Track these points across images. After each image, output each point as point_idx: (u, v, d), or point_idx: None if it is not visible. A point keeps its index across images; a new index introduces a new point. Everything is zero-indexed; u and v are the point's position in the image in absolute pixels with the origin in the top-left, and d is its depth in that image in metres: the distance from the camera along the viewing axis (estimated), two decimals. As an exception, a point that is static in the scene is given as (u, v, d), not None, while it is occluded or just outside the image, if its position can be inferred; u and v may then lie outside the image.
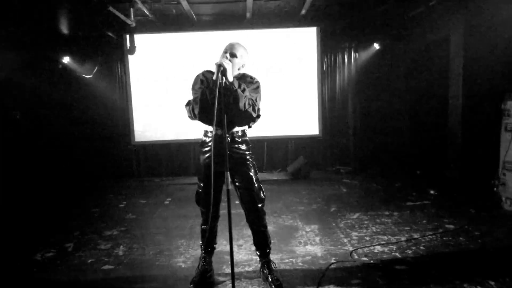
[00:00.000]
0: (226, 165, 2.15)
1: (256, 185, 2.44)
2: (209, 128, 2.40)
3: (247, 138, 2.48)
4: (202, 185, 2.50)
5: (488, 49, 4.35)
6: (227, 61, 2.18)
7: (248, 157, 2.45)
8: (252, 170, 2.44)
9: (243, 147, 2.43)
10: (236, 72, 2.40)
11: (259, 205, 2.46)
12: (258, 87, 2.40)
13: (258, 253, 2.56)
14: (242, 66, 2.41)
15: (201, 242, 2.65)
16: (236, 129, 2.40)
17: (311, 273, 2.64)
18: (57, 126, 5.92)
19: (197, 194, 2.54)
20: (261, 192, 2.47)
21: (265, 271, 2.51)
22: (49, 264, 2.95)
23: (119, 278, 2.70)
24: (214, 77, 2.11)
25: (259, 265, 2.61)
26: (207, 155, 2.43)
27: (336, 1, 5.45)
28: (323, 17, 6.09)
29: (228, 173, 2.15)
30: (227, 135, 2.28)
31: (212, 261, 2.65)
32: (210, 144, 2.42)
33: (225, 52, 2.34)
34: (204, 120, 2.36)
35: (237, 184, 2.44)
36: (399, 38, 6.06)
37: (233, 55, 2.32)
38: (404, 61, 6.08)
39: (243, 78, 2.41)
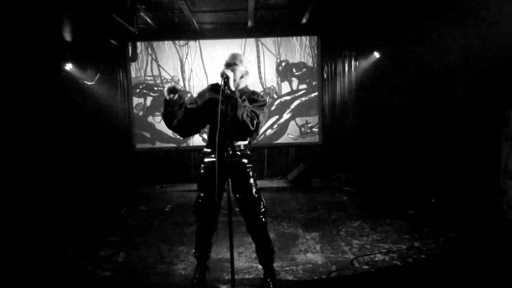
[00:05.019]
0: (228, 172, 2.17)
1: (256, 196, 2.43)
2: (211, 139, 2.43)
3: (249, 152, 2.48)
4: (202, 194, 2.50)
5: (488, 57, 4.37)
6: (229, 70, 2.22)
7: (248, 169, 2.45)
8: (252, 181, 2.44)
9: (244, 160, 2.44)
10: (240, 81, 2.40)
11: (260, 217, 2.44)
12: (263, 105, 2.40)
13: (260, 263, 2.55)
14: (246, 74, 2.42)
15: (194, 251, 2.64)
16: (239, 143, 2.41)
17: (312, 281, 2.63)
18: (58, 131, 5.93)
19: (196, 203, 2.52)
20: (261, 204, 2.45)
21: (267, 280, 2.50)
22: (48, 270, 2.93)
23: (119, 285, 2.69)
24: (220, 88, 2.14)
25: (262, 274, 2.59)
26: (207, 164, 2.45)
27: (336, 10, 5.52)
28: (324, 26, 6.15)
29: (230, 180, 2.17)
30: (231, 148, 2.33)
31: (208, 267, 2.64)
32: (212, 155, 2.42)
33: (228, 64, 2.37)
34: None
35: (237, 195, 2.44)
36: (399, 47, 6.10)
37: (233, 64, 2.35)
38: (404, 69, 6.11)
39: (252, 94, 2.43)
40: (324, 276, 2.67)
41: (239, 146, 2.42)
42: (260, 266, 2.76)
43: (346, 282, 2.62)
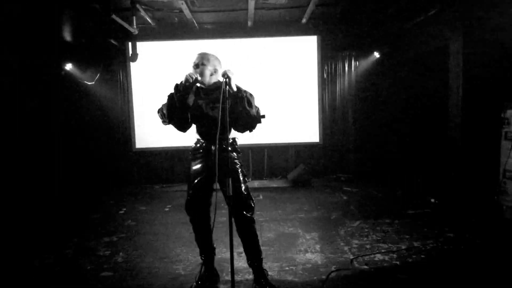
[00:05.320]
0: (228, 171, 2.21)
1: (244, 194, 2.43)
2: (203, 136, 2.47)
3: (237, 146, 2.52)
4: (190, 192, 2.51)
5: (487, 58, 4.38)
6: (231, 71, 2.24)
7: (237, 165, 2.46)
8: (241, 179, 2.44)
9: (234, 155, 2.46)
10: (209, 77, 2.44)
11: (248, 214, 2.44)
12: None
13: (250, 262, 2.55)
14: (215, 72, 2.47)
15: (199, 251, 2.65)
16: (229, 136, 2.43)
17: (312, 281, 2.63)
18: (58, 132, 5.94)
19: (187, 202, 2.53)
20: (250, 201, 2.46)
21: (260, 281, 2.50)
22: (48, 270, 2.94)
23: (118, 285, 2.69)
24: (222, 88, 2.18)
25: (252, 276, 2.59)
26: (198, 162, 2.47)
27: (336, 11, 5.52)
28: (324, 26, 6.15)
29: (230, 179, 2.18)
30: (217, 143, 2.35)
31: (214, 267, 2.64)
32: (202, 152, 2.46)
33: (196, 65, 2.41)
34: (176, 123, 2.45)
35: (225, 192, 2.46)
36: (399, 47, 6.11)
37: (201, 65, 2.41)
38: (403, 70, 6.12)
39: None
40: (324, 276, 2.68)
41: (228, 139, 2.43)
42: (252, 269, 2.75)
43: (346, 282, 2.62)
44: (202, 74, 2.38)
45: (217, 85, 2.44)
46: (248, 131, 2.46)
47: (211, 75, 2.44)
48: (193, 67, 2.43)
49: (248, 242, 2.51)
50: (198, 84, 2.44)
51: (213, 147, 2.38)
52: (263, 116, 2.40)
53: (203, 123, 2.44)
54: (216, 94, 2.38)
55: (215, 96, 2.38)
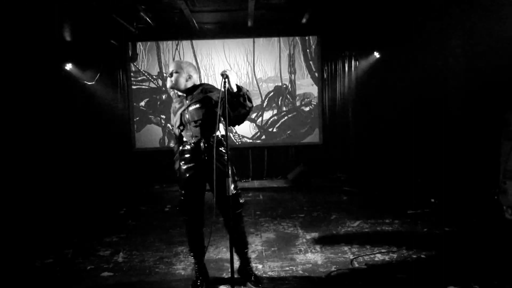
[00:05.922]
0: (227, 171, 2.21)
1: (233, 192, 2.42)
2: (188, 138, 2.50)
3: (224, 144, 2.52)
4: (183, 192, 2.52)
5: (488, 58, 4.38)
6: (229, 70, 2.24)
7: (226, 162, 2.46)
8: (230, 175, 2.42)
9: (223, 150, 2.46)
10: (184, 83, 2.49)
11: (237, 211, 2.45)
12: None
13: (236, 252, 2.55)
14: (189, 78, 2.52)
15: (189, 249, 2.65)
16: (216, 133, 2.43)
17: (312, 281, 2.63)
18: (57, 132, 5.94)
19: (181, 202, 2.54)
20: (239, 198, 2.48)
21: (246, 268, 2.55)
22: (48, 271, 2.94)
23: (118, 285, 2.69)
24: (221, 87, 2.20)
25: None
26: (187, 162, 2.50)
27: (336, 10, 5.52)
28: (324, 26, 6.15)
29: (230, 179, 2.19)
30: (204, 141, 2.42)
31: (205, 265, 2.65)
32: (190, 152, 2.49)
33: (170, 73, 2.49)
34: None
35: (214, 189, 2.45)
36: (399, 47, 6.11)
37: (175, 72, 2.48)
38: (404, 70, 6.12)
39: (206, 89, 2.54)
40: (324, 276, 2.68)
41: (217, 136, 2.44)
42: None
43: (346, 282, 2.62)
44: (176, 81, 2.46)
45: (192, 87, 2.52)
46: (238, 124, 2.51)
47: (186, 81, 2.50)
48: (168, 76, 2.50)
49: (235, 235, 2.48)
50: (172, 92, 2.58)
51: (201, 146, 2.42)
52: (250, 108, 2.43)
53: (188, 127, 2.49)
54: (191, 95, 2.48)
55: (191, 100, 2.46)
